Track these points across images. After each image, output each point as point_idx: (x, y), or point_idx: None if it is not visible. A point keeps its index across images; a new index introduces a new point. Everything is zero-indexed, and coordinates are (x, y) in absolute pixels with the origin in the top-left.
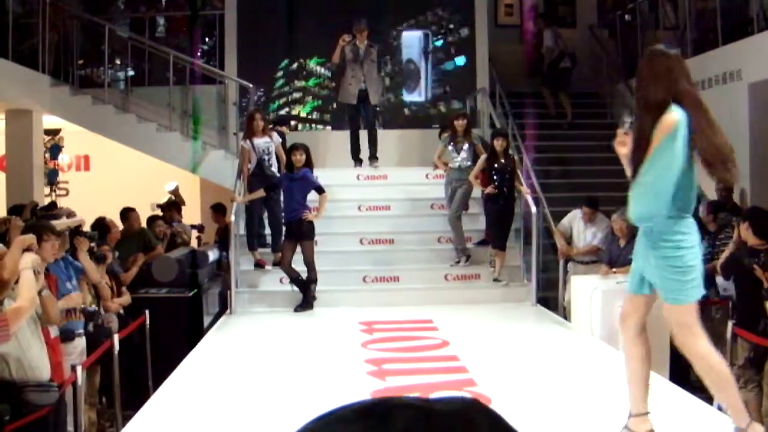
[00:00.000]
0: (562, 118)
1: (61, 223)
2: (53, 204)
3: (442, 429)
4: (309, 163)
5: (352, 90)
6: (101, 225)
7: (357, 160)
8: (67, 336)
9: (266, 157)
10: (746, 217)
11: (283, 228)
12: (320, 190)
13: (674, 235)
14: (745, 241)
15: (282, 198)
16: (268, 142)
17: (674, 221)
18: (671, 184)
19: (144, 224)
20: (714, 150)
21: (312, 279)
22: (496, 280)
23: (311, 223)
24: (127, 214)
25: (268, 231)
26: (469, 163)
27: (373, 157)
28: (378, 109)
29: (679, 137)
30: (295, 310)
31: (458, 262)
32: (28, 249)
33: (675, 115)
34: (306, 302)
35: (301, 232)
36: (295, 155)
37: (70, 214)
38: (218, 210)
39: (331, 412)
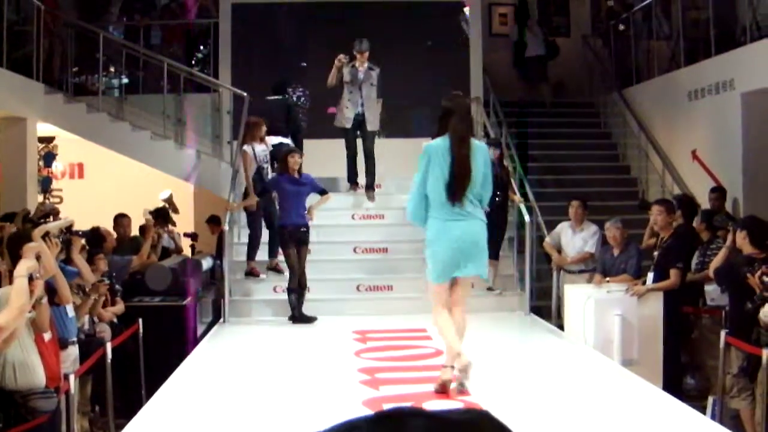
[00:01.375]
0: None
1: (53, 226)
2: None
3: None
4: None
5: (348, 114)
6: (96, 235)
7: (353, 183)
8: (61, 344)
9: (265, 165)
10: (744, 225)
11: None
12: (324, 191)
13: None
14: (740, 249)
15: (281, 202)
16: (265, 150)
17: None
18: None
19: (136, 232)
20: None
21: (305, 286)
22: (489, 289)
23: (309, 229)
24: (119, 220)
25: (264, 239)
26: None
27: (369, 188)
28: (377, 136)
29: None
30: (295, 321)
31: None
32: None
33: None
34: (302, 314)
35: (306, 239)
36: (294, 158)
37: (54, 212)
38: (213, 222)
39: (345, 422)
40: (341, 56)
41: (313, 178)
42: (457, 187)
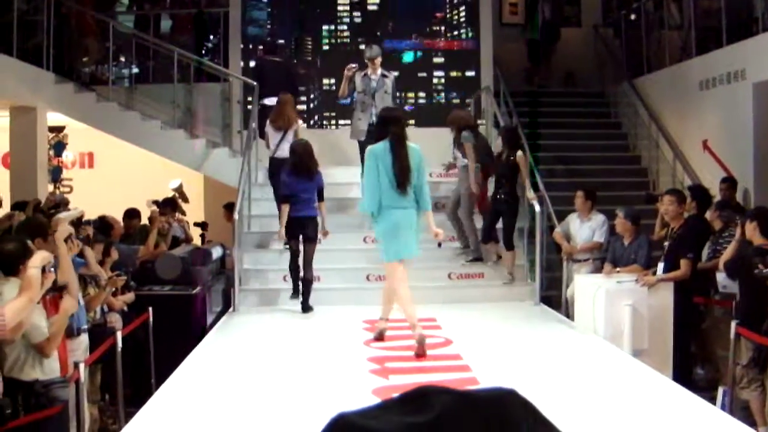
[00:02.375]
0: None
1: (65, 217)
2: (59, 204)
3: (478, 412)
4: None
5: (362, 126)
6: (104, 223)
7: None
8: (71, 332)
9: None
10: (754, 216)
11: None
12: (322, 194)
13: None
14: (750, 240)
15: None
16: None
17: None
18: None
19: (145, 221)
20: None
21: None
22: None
23: (317, 224)
24: (129, 219)
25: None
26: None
27: None
28: None
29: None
30: (304, 310)
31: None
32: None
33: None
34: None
35: (314, 234)
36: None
37: (64, 202)
38: (230, 209)
39: (376, 404)
40: (351, 65)
41: (322, 180)
42: (402, 178)
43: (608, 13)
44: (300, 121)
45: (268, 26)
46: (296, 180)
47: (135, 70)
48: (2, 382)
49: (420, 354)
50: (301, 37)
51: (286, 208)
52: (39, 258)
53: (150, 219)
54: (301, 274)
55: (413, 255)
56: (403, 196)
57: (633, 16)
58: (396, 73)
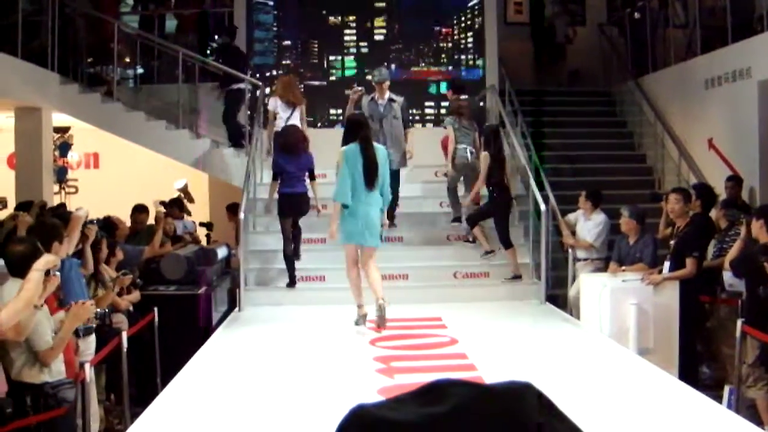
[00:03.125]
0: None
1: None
2: (62, 205)
3: (494, 404)
4: None
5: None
6: (108, 223)
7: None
8: (84, 332)
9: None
10: (760, 214)
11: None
12: (312, 174)
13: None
14: (757, 238)
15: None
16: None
17: None
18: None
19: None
20: None
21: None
22: (515, 277)
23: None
24: (137, 214)
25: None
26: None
27: (390, 219)
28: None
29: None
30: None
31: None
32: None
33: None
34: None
35: (305, 209)
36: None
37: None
38: (232, 210)
39: (391, 398)
40: (357, 87)
41: (313, 160)
42: (371, 177)
43: (613, 12)
44: (304, 104)
45: (274, 28)
46: (285, 159)
47: (140, 70)
48: (7, 383)
49: (380, 325)
50: (307, 41)
51: (275, 184)
52: (43, 261)
53: (156, 219)
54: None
55: (377, 245)
56: (371, 192)
57: (638, 15)
58: (402, 98)
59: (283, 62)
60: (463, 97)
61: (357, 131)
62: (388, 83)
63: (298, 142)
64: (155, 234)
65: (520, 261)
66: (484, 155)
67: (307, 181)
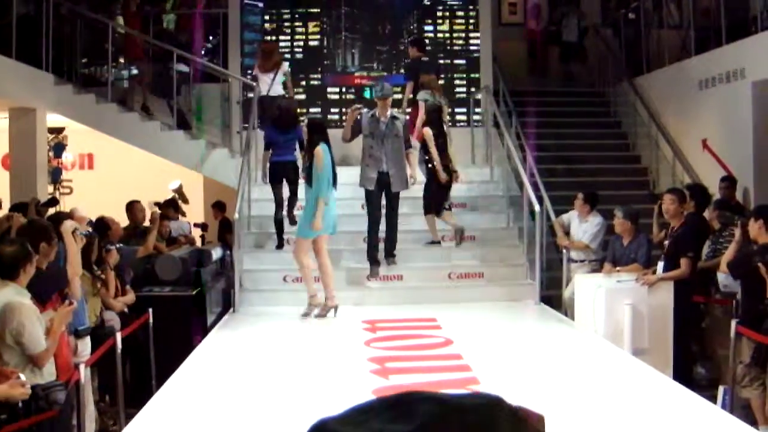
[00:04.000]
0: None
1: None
2: (54, 200)
3: (463, 421)
4: None
5: (370, 173)
6: (101, 224)
7: (374, 264)
8: (80, 333)
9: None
10: (758, 215)
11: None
12: (302, 144)
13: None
14: (755, 239)
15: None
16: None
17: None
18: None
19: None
20: None
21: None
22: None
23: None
24: (131, 206)
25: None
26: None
27: (389, 255)
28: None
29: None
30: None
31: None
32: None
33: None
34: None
35: (295, 177)
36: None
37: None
38: (217, 207)
39: (357, 406)
40: (356, 105)
41: (302, 133)
42: (335, 174)
43: (607, 13)
44: (285, 63)
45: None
46: (276, 132)
47: (134, 71)
48: None
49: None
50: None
51: (267, 154)
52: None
53: (151, 219)
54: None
55: (334, 232)
56: (333, 188)
57: (632, 16)
58: (404, 117)
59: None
60: (425, 59)
61: (323, 133)
62: (390, 100)
63: (290, 122)
64: (149, 233)
65: (515, 262)
66: (426, 130)
67: (297, 150)
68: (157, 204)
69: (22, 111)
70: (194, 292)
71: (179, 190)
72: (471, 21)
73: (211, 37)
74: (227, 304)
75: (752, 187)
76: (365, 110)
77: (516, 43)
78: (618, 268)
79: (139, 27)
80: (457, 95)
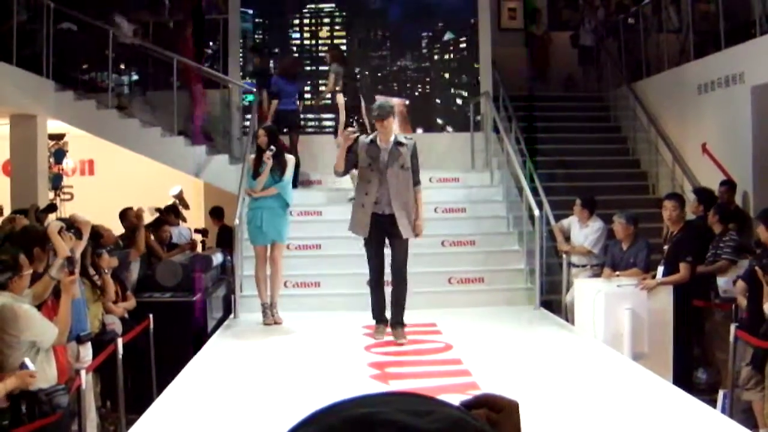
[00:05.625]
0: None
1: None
2: (53, 206)
3: None
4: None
5: (363, 217)
6: (93, 232)
7: (380, 322)
8: (82, 338)
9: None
10: (762, 218)
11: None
12: (302, 96)
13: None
14: (766, 243)
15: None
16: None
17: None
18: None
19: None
20: None
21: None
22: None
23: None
24: (125, 213)
25: None
26: None
27: (397, 325)
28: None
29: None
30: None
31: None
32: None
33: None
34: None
35: (297, 122)
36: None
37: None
38: (214, 214)
39: (320, 412)
40: (350, 129)
41: (303, 85)
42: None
43: (607, 17)
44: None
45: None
46: (283, 82)
47: (135, 77)
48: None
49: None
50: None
51: (275, 102)
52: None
53: (136, 216)
54: None
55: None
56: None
57: (631, 20)
58: (412, 141)
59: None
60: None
61: (276, 140)
62: (392, 120)
63: (296, 73)
64: (138, 232)
65: (515, 267)
66: (340, 96)
67: (297, 101)
68: (158, 210)
69: (22, 117)
70: (195, 298)
71: (180, 196)
72: (470, 26)
73: (211, 43)
74: (228, 309)
75: (751, 191)
76: (363, 136)
77: (516, 48)
78: (617, 273)
79: (191, 54)
80: (458, 100)
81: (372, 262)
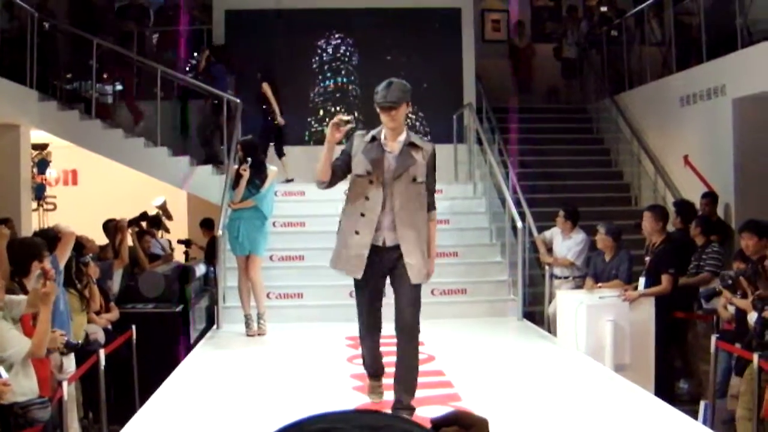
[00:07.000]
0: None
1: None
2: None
3: None
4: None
5: (356, 247)
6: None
7: (374, 378)
8: (69, 349)
9: None
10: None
11: None
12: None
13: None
14: (750, 253)
15: None
16: None
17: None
18: None
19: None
20: None
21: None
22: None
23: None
24: (108, 225)
25: None
26: None
27: (401, 407)
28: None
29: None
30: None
31: None
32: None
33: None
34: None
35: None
36: None
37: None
38: (205, 226)
39: (287, 428)
40: (341, 116)
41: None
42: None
43: (590, 29)
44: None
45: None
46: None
47: (119, 87)
48: None
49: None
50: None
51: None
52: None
53: (119, 227)
54: None
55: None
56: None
57: (614, 32)
58: (431, 145)
59: None
60: None
61: (255, 152)
62: (403, 110)
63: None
64: (121, 243)
65: (498, 278)
66: (264, 85)
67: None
68: (142, 218)
69: (5, 127)
70: (178, 309)
71: (163, 207)
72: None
73: (195, 54)
74: (210, 320)
75: (733, 203)
76: (359, 131)
77: (500, 59)
78: (599, 284)
79: (209, 77)
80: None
81: (364, 318)
